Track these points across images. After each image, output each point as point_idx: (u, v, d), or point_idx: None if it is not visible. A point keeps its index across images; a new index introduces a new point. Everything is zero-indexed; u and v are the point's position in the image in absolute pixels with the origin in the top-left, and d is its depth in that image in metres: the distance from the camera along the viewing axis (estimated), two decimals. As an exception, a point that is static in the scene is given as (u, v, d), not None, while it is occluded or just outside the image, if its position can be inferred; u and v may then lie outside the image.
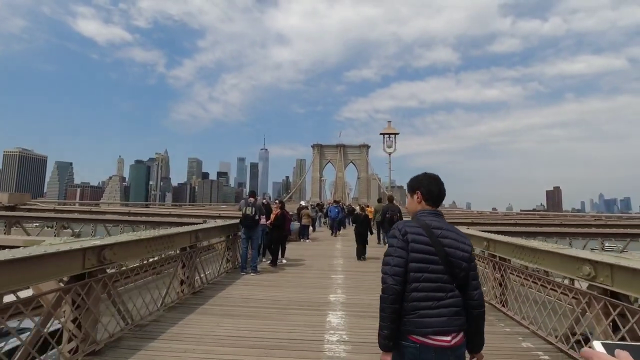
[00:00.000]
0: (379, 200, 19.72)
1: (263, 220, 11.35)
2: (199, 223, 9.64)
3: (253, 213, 9.29)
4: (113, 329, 4.68)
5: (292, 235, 16.34)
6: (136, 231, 10.41)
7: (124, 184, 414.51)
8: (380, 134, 26.09)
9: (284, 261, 11.20)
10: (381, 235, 15.87)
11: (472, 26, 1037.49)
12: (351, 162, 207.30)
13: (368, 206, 20.15)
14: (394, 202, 14.84)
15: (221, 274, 8.98)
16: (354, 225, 13.23)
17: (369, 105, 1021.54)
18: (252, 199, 9.58)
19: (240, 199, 11.28)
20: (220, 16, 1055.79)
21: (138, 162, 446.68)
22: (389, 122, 26.91)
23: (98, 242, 4.41)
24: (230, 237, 9.80)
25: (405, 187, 2.65)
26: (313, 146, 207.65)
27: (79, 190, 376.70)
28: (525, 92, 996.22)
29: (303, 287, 8.06)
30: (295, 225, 16.97)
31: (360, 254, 12.07)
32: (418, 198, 2.44)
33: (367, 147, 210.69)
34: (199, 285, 7.50)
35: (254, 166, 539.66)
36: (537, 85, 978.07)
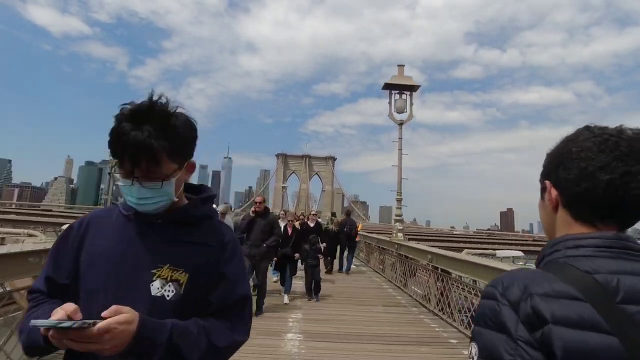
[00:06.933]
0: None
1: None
2: None
3: None
4: None
5: None
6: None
7: (71, 186, 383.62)
8: (385, 86, 12.61)
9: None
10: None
11: (438, 50, 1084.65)
12: (316, 174, 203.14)
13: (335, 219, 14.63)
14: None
15: None
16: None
17: (336, 120, 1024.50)
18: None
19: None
20: (189, 18, 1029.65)
21: (89, 163, 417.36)
22: (400, 66, 12.88)
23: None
24: None
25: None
26: (277, 155, 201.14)
27: (16, 190, 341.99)
28: (485, 117, 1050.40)
29: None
30: None
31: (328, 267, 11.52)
32: (550, 199, 0.78)
33: (334, 159, 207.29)
34: None
35: (216, 174, 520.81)
36: (495, 111, 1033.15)
